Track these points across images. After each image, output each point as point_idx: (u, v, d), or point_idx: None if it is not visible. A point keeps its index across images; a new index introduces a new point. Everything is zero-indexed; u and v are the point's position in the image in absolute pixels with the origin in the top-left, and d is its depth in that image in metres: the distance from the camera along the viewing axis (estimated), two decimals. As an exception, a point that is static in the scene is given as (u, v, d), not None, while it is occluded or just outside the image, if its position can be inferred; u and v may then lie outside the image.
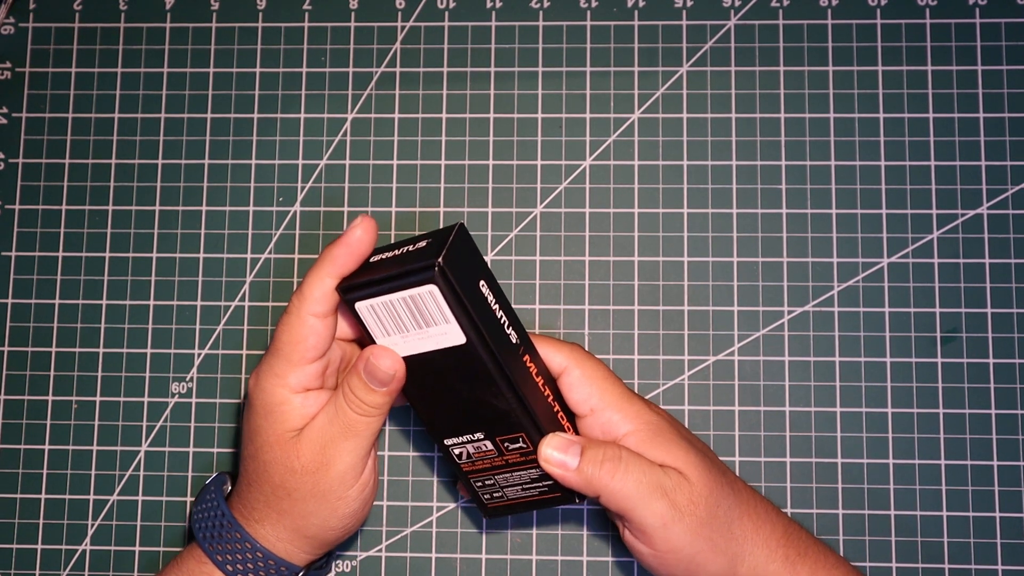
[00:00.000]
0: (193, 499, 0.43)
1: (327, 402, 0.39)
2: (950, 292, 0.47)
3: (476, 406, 0.39)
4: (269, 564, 0.40)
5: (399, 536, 0.47)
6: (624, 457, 0.38)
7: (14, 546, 0.47)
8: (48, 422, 0.48)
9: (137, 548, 0.47)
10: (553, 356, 0.40)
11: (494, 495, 0.42)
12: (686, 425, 0.47)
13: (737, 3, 0.50)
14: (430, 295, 0.36)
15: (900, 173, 0.48)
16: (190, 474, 0.48)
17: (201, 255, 0.49)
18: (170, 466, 0.48)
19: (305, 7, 0.51)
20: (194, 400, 0.48)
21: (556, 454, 0.39)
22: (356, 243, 0.37)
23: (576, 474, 0.39)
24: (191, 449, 0.48)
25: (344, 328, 0.40)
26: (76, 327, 0.49)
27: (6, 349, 0.49)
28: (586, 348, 0.44)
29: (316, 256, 0.49)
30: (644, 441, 0.39)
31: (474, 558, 0.47)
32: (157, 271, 0.49)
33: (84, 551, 0.47)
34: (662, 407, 0.45)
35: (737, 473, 0.46)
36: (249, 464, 0.40)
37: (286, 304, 0.48)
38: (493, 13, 0.50)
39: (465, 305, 0.36)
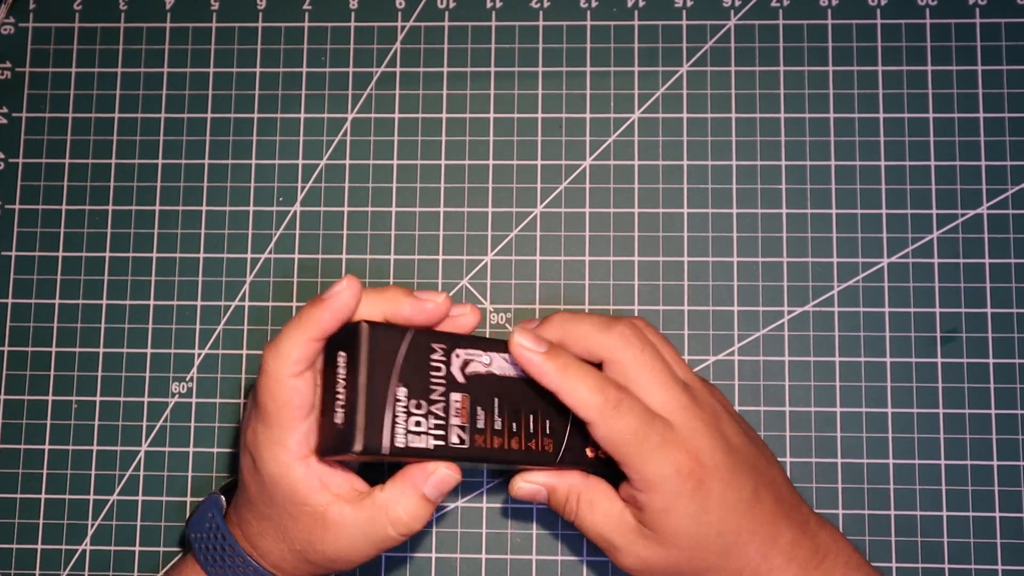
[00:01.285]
0: (189, 516, 0.42)
1: (351, 494, 0.38)
2: (950, 292, 0.47)
3: None
4: None
5: (399, 536, 0.47)
6: (579, 511, 0.40)
7: (14, 546, 0.47)
8: (48, 422, 0.48)
9: (137, 548, 0.47)
10: (583, 409, 0.38)
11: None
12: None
13: (737, 3, 0.50)
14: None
15: (900, 173, 0.48)
16: (190, 474, 0.48)
17: (201, 255, 0.49)
18: (170, 466, 0.48)
19: (305, 7, 0.51)
20: (194, 400, 0.48)
21: (526, 488, 0.40)
22: (340, 307, 0.36)
23: (550, 506, 0.41)
24: (191, 449, 0.48)
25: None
26: (76, 327, 0.49)
27: (6, 349, 0.49)
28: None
29: (315, 256, 0.49)
30: (643, 504, 0.38)
31: (474, 558, 0.47)
32: (157, 271, 0.49)
33: (84, 551, 0.47)
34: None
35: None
36: (263, 521, 0.39)
37: (286, 304, 0.48)
38: (493, 13, 0.50)
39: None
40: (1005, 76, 0.49)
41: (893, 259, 0.48)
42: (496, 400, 0.39)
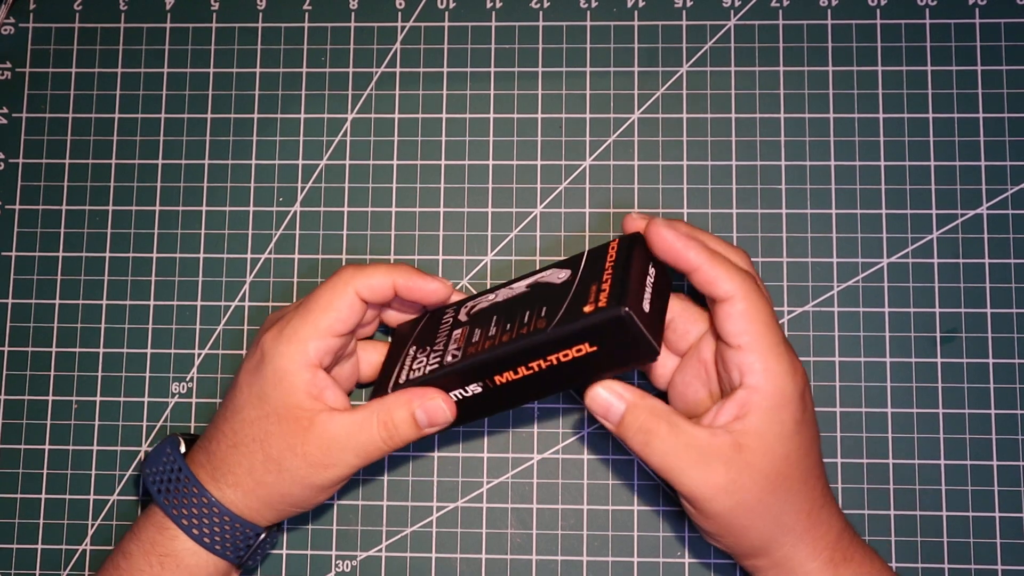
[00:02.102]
0: (143, 459, 0.42)
1: (343, 407, 0.40)
2: (950, 292, 0.47)
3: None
4: (236, 527, 0.40)
5: (399, 536, 0.47)
6: (661, 430, 0.37)
7: (14, 546, 0.47)
8: (48, 422, 0.48)
9: (137, 548, 0.47)
10: (723, 282, 0.38)
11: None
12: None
13: (737, 3, 0.50)
14: None
15: (900, 173, 0.48)
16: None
17: (201, 255, 0.49)
18: (170, 466, 0.48)
19: (305, 7, 0.51)
20: (194, 400, 0.48)
21: (603, 396, 0.39)
22: (431, 292, 0.41)
23: (616, 430, 0.39)
24: (191, 449, 0.48)
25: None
26: (76, 327, 0.49)
27: (6, 349, 0.49)
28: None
29: (315, 256, 0.49)
30: (754, 404, 0.37)
31: (474, 558, 0.47)
32: (157, 271, 0.49)
33: (84, 551, 0.47)
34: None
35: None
36: (244, 427, 0.40)
37: (286, 304, 0.48)
38: (493, 13, 0.50)
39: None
40: (1005, 76, 0.49)
41: (893, 259, 0.48)
42: (494, 318, 0.40)
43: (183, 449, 0.42)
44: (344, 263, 0.49)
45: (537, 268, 0.43)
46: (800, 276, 0.48)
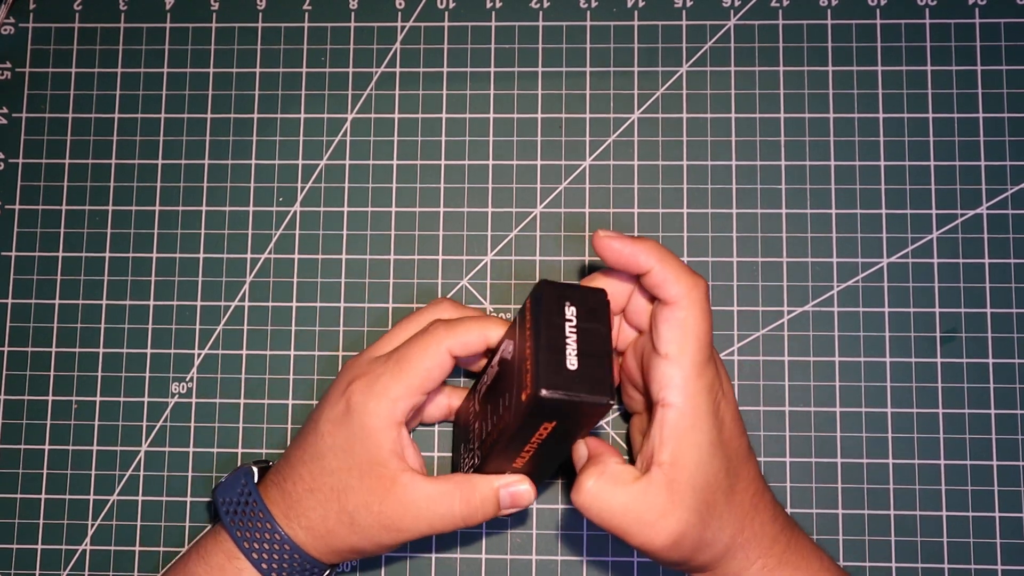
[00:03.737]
0: (217, 485, 0.43)
1: (421, 470, 0.40)
2: (950, 292, 0.47)
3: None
4: (305, 565, 0.41)
5: (399, 536, 0.47)
6: (596, 492, 0.37)
7: (14, 546, 0.47)
8: (48, 422, 0.48)
9: (137, 548, 0.47)
10: (671, 285, 0.37)
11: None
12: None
13: (737, 3, 0.50)
14: None
15: (899, 173, 0.48)
16: (190, 474, 0.48)
17: (201, 255, 0.49)
18: (170, 466, 0.48)
19: (305, 7, 0.51)
20: (194, 400, 0.48)
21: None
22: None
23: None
24: (191, 449, 0.48)
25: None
26: (76, 327, 0.49)
27: (6, 349, 0.49)
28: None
29: (316, 256, 0.49)
30: (672, 426, 0.37)
31: (474, 558, 0.47)
32: (157, 271, 0.49)
33: (84, 551, 0.47)
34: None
35: (737, 473, 0.46)
36: (324, 476, 0.40)
37: (286, 304, 0.48)
38: (493, 13, 0.50)
39: None
40: (1005, 76, 0.49)
41: (893, 259, 0.48)
42: (488, 408, 0.41)
43: (256, 478, 0.42)
44: (344, 263, 0.49)
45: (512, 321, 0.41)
46: (800, 276, 0.48)
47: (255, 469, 0.43)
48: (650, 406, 0.39)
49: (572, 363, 0.36)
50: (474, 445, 0.41)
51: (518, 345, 0.38)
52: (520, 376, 0.36)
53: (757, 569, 0.39)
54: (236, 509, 0.41)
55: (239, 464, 0.47)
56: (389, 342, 0.42)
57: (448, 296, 0.48)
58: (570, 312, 0.37)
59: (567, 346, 0.36)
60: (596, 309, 0.37)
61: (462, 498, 0.39)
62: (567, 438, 0.38)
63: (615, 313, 0.41)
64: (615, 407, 0.47)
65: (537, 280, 0.48)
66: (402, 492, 0.39)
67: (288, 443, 0.47)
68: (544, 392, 0.35)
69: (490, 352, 0.41)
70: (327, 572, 0.42)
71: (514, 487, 0.40)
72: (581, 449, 0.40)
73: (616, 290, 0.40)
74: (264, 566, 0.40)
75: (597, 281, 0.40)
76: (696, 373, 0.37)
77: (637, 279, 0.39)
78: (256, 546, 0.40)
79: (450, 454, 0.47)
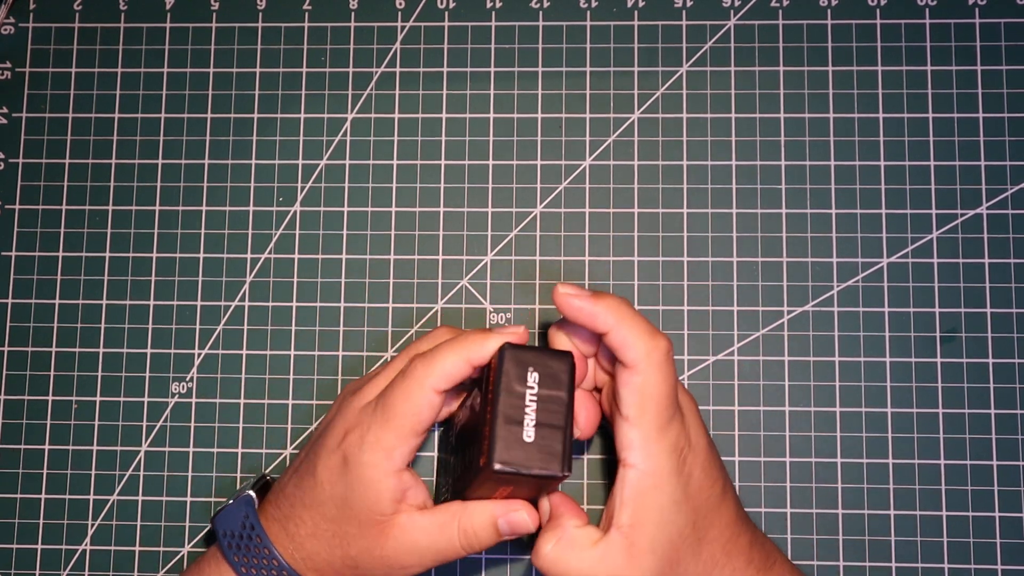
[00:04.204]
0: (217, 513, 0.42)
1: (422, 507, 0.39)
2: (949, 292, 0.47)
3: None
4: None
5: (399, 536, 0.47)
6: (555, 556, 0.37)
7: (14, 546, 0.47)
8: (48, 422, 0.48)
9: (137, 548, 0.47)
10: (629, 350, 0.37)
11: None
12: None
13: (737, 3, 0.50)
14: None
15: (899, 173, 0.48)
16: (190, 474, 0.48)
17: (201, 255, 0.49)
18: (170, 466, 0.48)
19: (305, 7, 0.51)
20: (194, 400, 0.48)
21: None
22: (512, 339, 0.38)
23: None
24: (191, 449, 0.48)
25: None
26: (76, 327, 0.49)
27: (6, 349, 0.49)
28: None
29: (316, 256, 0.49)
30: (634, 487, 0.37)
31: (474, 558, 0.47)
32: (157, 271, 0.49)
33: (84, 551, 0.47)
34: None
35: (737, 473, 0.46)
36: (324, 524, 0.39)
37: (286, 304, 0.48)
38: (493, 13, 0.50)
39: None
40: (1005, 76, 0.49)
41: (893, 259, 0.48)
42: (459, 454, 0.41)
43: (256, 505, 0.42)
44: (344, 263, 0.49)
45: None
46: (800, 276, 0.48)
47: (256, 498, 0.42)
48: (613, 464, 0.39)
49: (528, 435, 0.36)
50: (450, 479, 0.42)
51: (481, 404, 0.38)
52: (480, 440, 0.37)
53: None
54: (239, 544, 0.40)
55: (238, 483, 0.47)
56: (385, 378, 0.41)
57: (447, 296, 0.48)
58: (532, 379, 0.37)
59: (525, 416, 0.36)
60: (559, 375, 0.37)
61: (460, 529, 0.39)
62: (528, 496, 0.39)
63: (587, 356, 0.40)
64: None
65: (545, 293, 0.48)
66: (401, 534, 0.39)
67: (288, 445, 0.47)
68: (497, 466, 0.35)
69: (484, 368, 0.39)
70: None
71: (513, 515, 0.39)
72: (544, 505, 0.40)
73: (585, 336, 0.40)
74: None
75: (560, 341, 0.40)
76: (657, 436, 0.37)
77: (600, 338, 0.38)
78: (261, 571, 0.40)
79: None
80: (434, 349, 0.38)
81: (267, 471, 0.47)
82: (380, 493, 0.38)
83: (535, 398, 0.36)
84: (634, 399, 0.37)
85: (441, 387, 0.38)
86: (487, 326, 0.48)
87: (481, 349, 0.38)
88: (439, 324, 0.48)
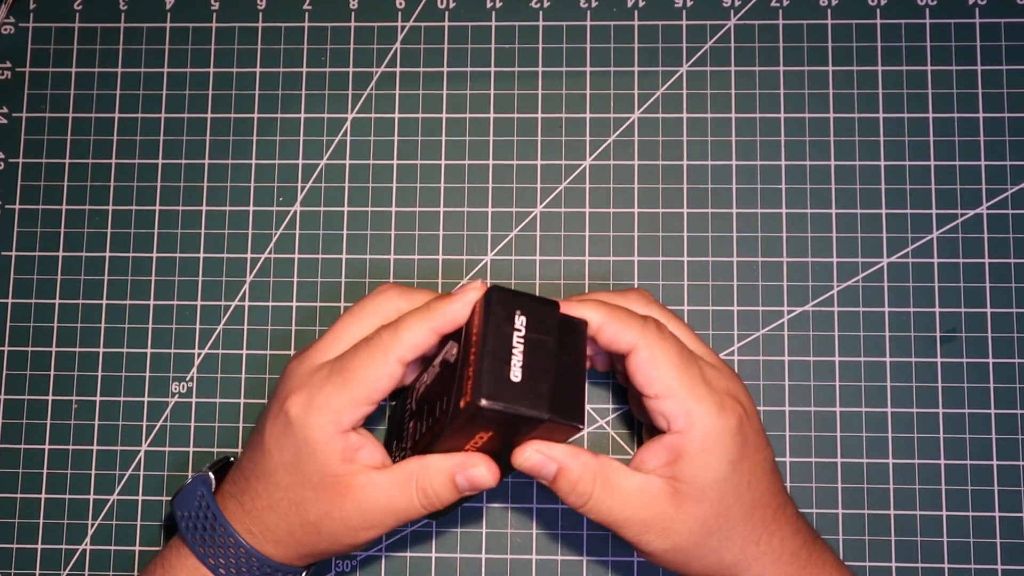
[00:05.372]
0: (175, 493, 0.41)
1: (378, 466, 0.38)
2: (950, 292, 0.47)
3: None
4: (279, 573, 0.40)
5: (399, 536, 0.47)
6: (595, 492, 0.37)
7: (14, 546, 0.47)
8: (48, 422, 0.48)
9: (137, 548, 0.47)
10: (622, 336, 0.37)
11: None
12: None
13: (737, 3, 0.50)
14: None
15: (900, 173, 0.48)
16: (190, 474, 0.48)
17: (201, 255, 0.49)
18: (170, 466, 0.48)
19: (305, 7, 0.51)
20: (194, 400, 0.48)
21: (534, 458, 0.38)
22: (469, 310, 0.37)
23: (552, 488, 0.38)
24: (191, 449, 0.48)
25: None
26: (76, 327, 0.49)
27: (6, 349, 0.49)
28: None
29: (315, 256, 0.49)
30: (684, 448, 0.37)
31: (474, 558, 0.47)
32: (157, 271, 0.49)
33: (84, 551, 0.47)
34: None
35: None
36: (279, 493, 0.38)
37: (286, 304, 0.48)
38: (493, 13, 0.50)
39: None
40: (1005, 76, 0.49)
41: (893, 259, 0.48)
42: (425, 408, 0.39)
43: (214, 484, 0.41)
44: (344, 263, 0.49)
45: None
46: (800, 276, 0.48)
47: (212, 477, 0.41)
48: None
49: (516, 375, 0.35)
50: (406, 444, 0.40)
51: (463, 349, 0.37)
52: (461, 382, 0.36)
53: None
54: (196, 524, 0.40)
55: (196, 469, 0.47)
56: (332, 343, 0.39)
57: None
58: (520, 322, 0.36)
59: (513, 356, 0.35)
60: (547, 321, 0.36)
61: (419, 488, 0.38)
62: (502, 447, 0.38)
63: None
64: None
65: (537, 290, 0.48)
66: (359, 495, 0.38)
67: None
68: (484, 402, 0.34)
69: (445, 337, 0.39)
70: (303, 573, 0.41)
71: (471, 471, 0.38)
72: (550, 466, 0.38)
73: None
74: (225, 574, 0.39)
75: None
76: (694, 399, 0.37)
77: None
78: (223, 560, 0.39)
79: None
80: (400, 319, 0.37)
81: (232, 453, 0.47)
82: (328, 455, 0.37)
83: (522, 340, 0.35)
84: (653, 374, 0.36)
85: (407, 358, 0.37)
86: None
87: (448, 318, 0.37)
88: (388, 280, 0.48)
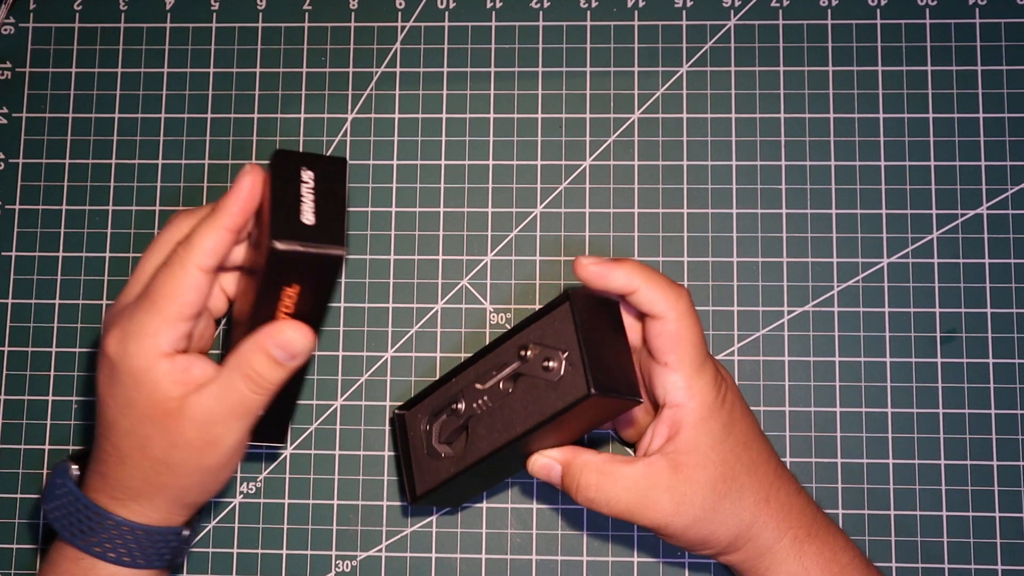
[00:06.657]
0: (40, 495, 0.40)
1: (210, 379, 0.37)
2: (950, 292, 0.47)
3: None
4: (155, 538, 0.39)
5: (399, 536, 0.47)
6: (598, 483, 0.40)
7: (14, 546, 0.47)
8: (48, 422, 0.48)
9: (137, 548, 0.47)
10: (659, 303, 0.39)
11: None
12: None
13: (737, 3, 0.50)
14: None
15: (900, 173, 0.48)
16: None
17: (201, 255, 0.49)
18: (170, 466, 0.48)
19: (305, 7, 0.51)
20: (194, 400, 0.48)
21: (540, 463, 0.41)
22: (249, 194, 0.37)
23: (563, 486, 0.41)
24: (191, 449, 0.48)
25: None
26: (76, 327, 0.49)
27: (6, 349, 0.49)
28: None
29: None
30: (682, 422, 0.39)
31: (474, 558, 0.47)
32: (157, 271, 0.49)
33: (84, 551, 0.47)
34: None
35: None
36: (123, 440, 0.38)
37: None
38: (493, 13, 0.50)
39: None
40: (1005, 76, 0.49)
41: (893, 259, 0.48)
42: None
43: (76, 472, 0.40)
44: (343, 263, 0.48)
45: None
46: (800, 276, 0.48)
47: (71, 465, 0.40)
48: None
49: (308, 218, 0.35)
50: (235, 335, 0.40)
51: (257, 223, 0.37)
52: (261, 246, 0.36)
53: (789, 541, 0.40)
54: (63, 513, 0.39)
55: (238, 483, 0.47)
56: (137, 282, 0.39)
57: (447, 296, 0.48)
58: (307, 176, 0.36)
59: (302, 203, 0.36)
60: (334, 173, 0.37)
61: (243, 376, 0.37)
62: (316, 299, 0.37)
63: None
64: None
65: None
66: (193, 411, 0.37)
67: (288, 445, 0.47)
68: (277, 244, 0.34)
69: (250, 235, 0.39)
70: (185, 534, 0.40)
71: (279, 337, 0.37)
72: (555, 468, 0.41)
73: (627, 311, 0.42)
74: (112, 555, 0.38)
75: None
76: (696, 373, 0.39)
77: (622, 298, 0.40)
78: (96, 539, 0.38)
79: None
80: (192, 231, 0.37)
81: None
82: (155, 380, 0.36)
83: (312, 190, 0.36)
84: (670, 345, 0.39)
85: (206, 264, 0.36)
86: (487, 327, 0.48)
87: (233, 209, 0.37)
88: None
